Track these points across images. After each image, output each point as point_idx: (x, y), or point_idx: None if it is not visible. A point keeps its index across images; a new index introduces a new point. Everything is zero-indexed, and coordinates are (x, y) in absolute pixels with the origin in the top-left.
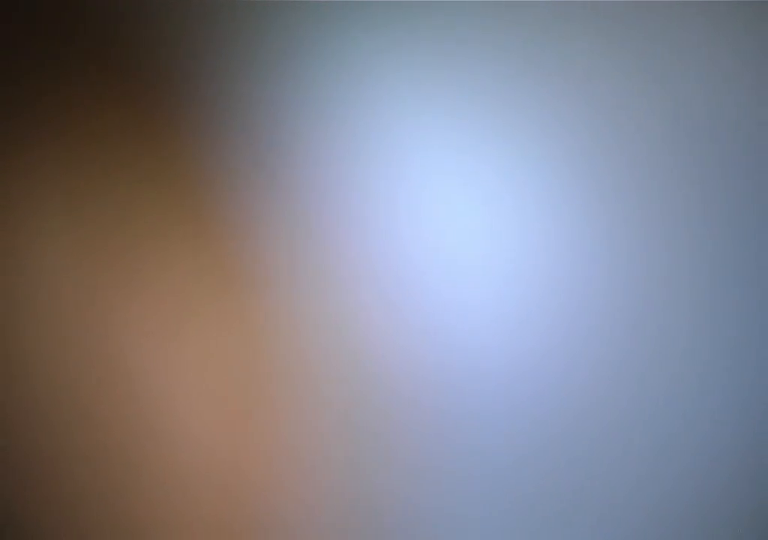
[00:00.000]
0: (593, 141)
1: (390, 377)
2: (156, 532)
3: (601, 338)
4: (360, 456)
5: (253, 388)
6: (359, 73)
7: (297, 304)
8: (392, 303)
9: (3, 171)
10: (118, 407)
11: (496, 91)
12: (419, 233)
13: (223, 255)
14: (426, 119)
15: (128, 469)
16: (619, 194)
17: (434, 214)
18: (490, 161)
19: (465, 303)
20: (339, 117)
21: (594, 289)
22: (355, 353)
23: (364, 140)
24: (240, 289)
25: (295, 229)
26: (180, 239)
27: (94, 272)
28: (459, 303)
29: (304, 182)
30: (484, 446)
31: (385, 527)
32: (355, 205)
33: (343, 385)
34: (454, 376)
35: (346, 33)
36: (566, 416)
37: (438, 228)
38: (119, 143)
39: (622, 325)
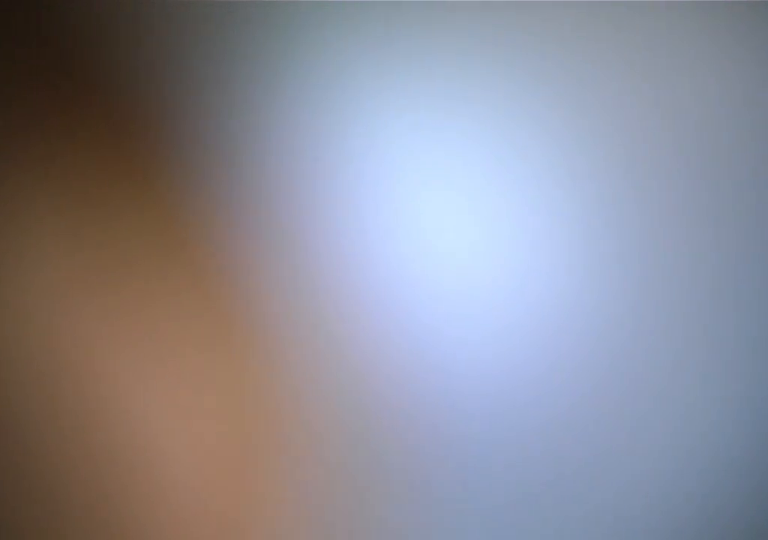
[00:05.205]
0: (595, 143)
1: (392, 418)
2: None
3: (604, 351)
4: (359, 496)
5: (249, 432)
6: (354, 75)
7: (292, 343)
8: (390, 336)
9: None
10: (108, 449)
11: (496, 92)
12: (425, 264)
13: (217, 295)
14: (424, 124)
15: (121, 519)
16: (623, 200)
17: (436, 232)
18: (492, 165)
19: (468, 319)
20: (337, 122)
21: (595, 301)
22: (352, 388)
23: (365, 149)
24: (235, 327)
25: (291, 262)
26: (171, 278)
27: (88, 316)
28: (462, 321)
29: (301, 206)
30: (488, 466)
31: None
32: (355, 224)
33: (341, 424)
34: (456, 399)
35: (341, 33)
36: (569, 431)
37: (442, 248)
38: (114, 158)
39: (627, 337)
